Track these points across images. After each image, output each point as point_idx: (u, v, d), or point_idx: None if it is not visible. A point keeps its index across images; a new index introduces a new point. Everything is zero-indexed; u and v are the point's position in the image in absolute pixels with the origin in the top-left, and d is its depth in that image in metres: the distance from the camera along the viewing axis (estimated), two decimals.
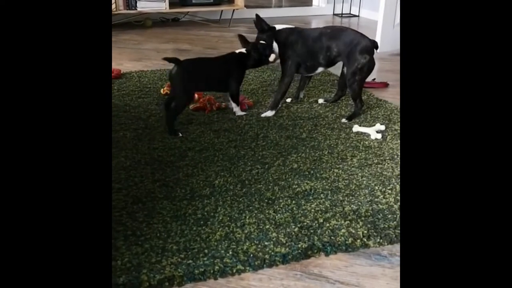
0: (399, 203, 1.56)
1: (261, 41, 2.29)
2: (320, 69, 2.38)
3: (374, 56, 2.25)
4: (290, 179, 1.71)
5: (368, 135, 2.10)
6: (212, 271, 1.24)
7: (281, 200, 1.57)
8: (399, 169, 1.80)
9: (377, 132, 2.11)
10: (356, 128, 2.15)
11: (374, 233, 1.41)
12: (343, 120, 2.27)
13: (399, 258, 1.33)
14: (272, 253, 1.31)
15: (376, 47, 2.24)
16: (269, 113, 2.34)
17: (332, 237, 1.38)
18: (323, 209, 1.52)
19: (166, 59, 2.04)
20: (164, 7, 4.35)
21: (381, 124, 2.18)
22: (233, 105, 2.31)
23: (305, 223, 1.44)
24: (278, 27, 2.39)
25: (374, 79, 2.90)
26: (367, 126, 2.18)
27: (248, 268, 1.27)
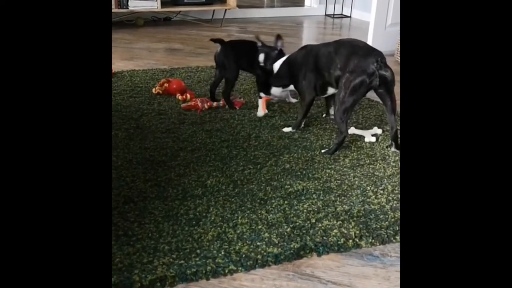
0: (391, 204, 1.57)
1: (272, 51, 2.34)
2: (331, 90, 2.09)
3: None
4: (282, 179, 1.71)
5: (362, 137, 2.10)
6: (204, 272, 1.24)
7: (273, 200, 1.57)
8: (391, 170, 1.81)
9: (372, 135, 2.11)
10: (352, 130, 2.15)
11: (366, 233, 1.41)
12: (323, 151, 1.96)
13: (391, 258, 1.34)
14: (265, 253, 1.31)
15: (379, 61, 1.90)
16: (287, 129, 2.18)
17: (324, 237, 1.38)
18: (316, 209, 1.52)
19: (212, 40, 2.38)
20: (156, 6, 4.34)
21: (378, 128, 2.17)
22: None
23: (298, 223, 1.44)
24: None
25: None
26: (360, 128, 2.18)
27: (240, 268, 1.26)
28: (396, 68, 3.34)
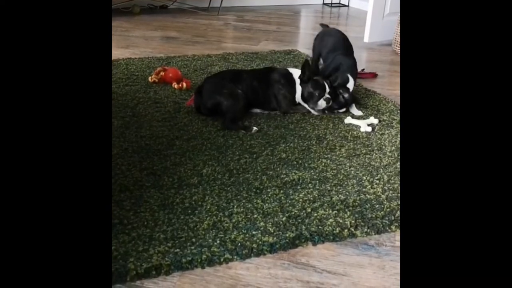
0: (386, 193, 1.57)
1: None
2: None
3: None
4: (278, 169, 1.71)
5: (358, 127, 2.10)
6: (199, 260, 1.24)
7: (269, 190, 1.57)
8: (387, 160, 1.81)
9: (368, 125, 2.11)
10: (348, 120, 2.15)
11: (362, 223, 1.41)
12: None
13: (386, 248, 1.34)
14: (260, 242, 1.31)
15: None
16: None
17: (319, 227, 1.39)
18: (311, 198, 1.53)
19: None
20: None
21: (374, 118, 2.17)
22: None
23: (293, 213, 1.44)
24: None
25: (363, 69, 2.90)
26: (357, 118, 2.18)
27: (235, 257, 1.27)
28: (394, 58, 3.33)
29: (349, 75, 2.31)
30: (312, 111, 2.21)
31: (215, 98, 2.09)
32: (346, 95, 2.21)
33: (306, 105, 2.22)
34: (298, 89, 2.20)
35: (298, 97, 2.22)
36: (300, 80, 2.19)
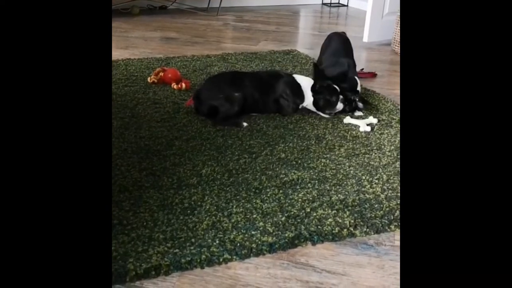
0: (386, 193, 1.57)
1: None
2: None
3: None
4: (277, 169, 1.71)
5: (357, 127, 2.10)
6: (198, 260, 1.24)
7: (268, 190, 1.57)
8: (386, 159, 1.81)
9: (368, 125, 2.11)
10: (347, 119, 2.15)
11: (361, 223, 1.41)
12: None
13: (385, 247, 1.34)
14: (259, 242, 1.31)
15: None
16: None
17: (319, 227, 1.39)
18: (310, 198, 1.53)
19: None
20: None
21: (374, 117, 2.17)
22: None
23: (292, 213, 1.45)
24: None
25: (363, 69, 2.90)
26: (359, 118, 2.18)
27: (235, 257, 1.27)
28: (393, 57, 3.33)
29: (356, 78, 2.34)
30: (323, 115, 2.22)
31: (211, 103, 2.10)
32: (360, 105, 2.25)
33: (318, 111, 2.22)
34: (309, 99, 2.20)
35: (307, 105, 2.22)
36: (314, 92, 2.18)
